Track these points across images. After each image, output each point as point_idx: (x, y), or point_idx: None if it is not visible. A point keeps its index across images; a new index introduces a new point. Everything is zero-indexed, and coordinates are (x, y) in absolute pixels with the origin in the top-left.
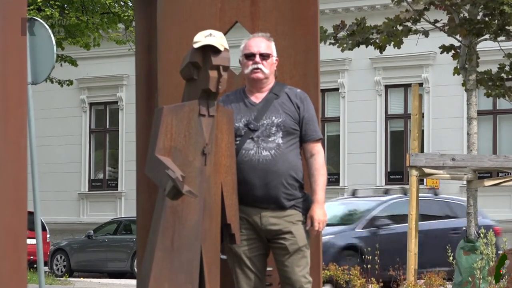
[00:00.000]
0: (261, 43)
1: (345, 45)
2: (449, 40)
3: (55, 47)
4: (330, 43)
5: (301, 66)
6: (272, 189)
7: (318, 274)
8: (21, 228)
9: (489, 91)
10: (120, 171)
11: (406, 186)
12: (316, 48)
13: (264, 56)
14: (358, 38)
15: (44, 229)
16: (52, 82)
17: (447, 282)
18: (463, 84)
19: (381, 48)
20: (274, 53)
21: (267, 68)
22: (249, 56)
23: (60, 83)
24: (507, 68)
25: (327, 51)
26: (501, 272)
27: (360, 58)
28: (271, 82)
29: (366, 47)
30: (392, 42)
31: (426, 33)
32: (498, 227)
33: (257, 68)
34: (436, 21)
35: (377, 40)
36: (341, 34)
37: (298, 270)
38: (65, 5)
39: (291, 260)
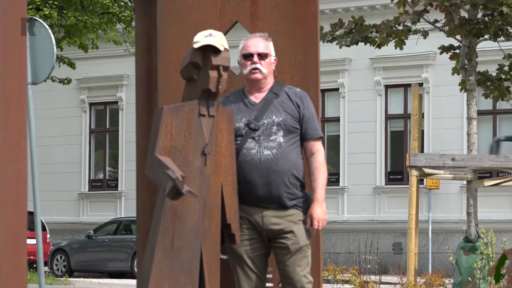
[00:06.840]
0: (259, 43)
1: (343, 42)
2: (448, 40)
3: (55, 47)
4: (327, 41)
5: (301, 66)
6: (274, 188)
7: (319, 274)
8: (21, 228)
9: (487, 92)
10: (120, 171)
11: None
12: (316, 48)
13: (262, 56)
14: (358, 37)
15: (44, 229)
16: (53, 81)
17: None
18: (461, 84)
19: (379, 46)
20: (273, 52)
21: (266, 68)
22: (247, 57)
23: (61, 81)
24: (506, 68)
25: (327, 51)
26: (501, 272)
27: (360, 58)
28: (270, 82)
29: (365, 44)
30: (394, 43)
31: (425, 34)
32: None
33: (256, 69)
34: (436, 21)
35: (376, 39)
36: (339, 32)
37: (299, 270)
38: (63, 5)
39: (292, 260)
